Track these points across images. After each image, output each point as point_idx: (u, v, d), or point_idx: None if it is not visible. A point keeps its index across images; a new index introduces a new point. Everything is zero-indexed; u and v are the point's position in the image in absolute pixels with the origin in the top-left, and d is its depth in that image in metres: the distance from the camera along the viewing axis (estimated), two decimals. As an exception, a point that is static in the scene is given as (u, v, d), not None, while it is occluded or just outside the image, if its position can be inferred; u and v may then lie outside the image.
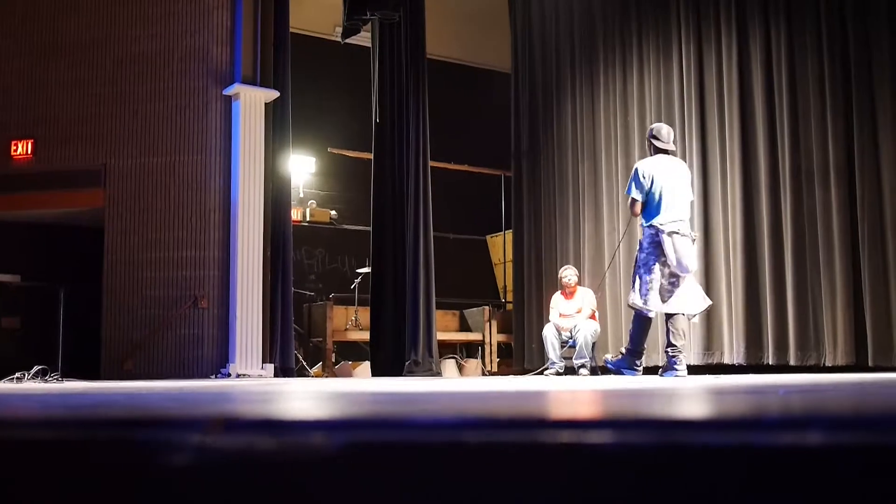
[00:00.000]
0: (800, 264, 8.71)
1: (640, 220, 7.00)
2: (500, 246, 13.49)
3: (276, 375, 9.48)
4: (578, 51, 11.34)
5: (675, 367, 6.70)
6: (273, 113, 9.95)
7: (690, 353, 9.56)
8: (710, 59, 9.74)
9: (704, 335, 9.45)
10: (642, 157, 10.13)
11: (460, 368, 11.42)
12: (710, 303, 7.22)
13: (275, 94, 9.87)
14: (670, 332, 6.82)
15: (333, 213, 13.12)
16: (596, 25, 11.14)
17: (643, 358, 7.21)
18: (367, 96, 10.92)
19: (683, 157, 9.87)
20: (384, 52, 10.76)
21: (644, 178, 6.73)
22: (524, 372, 11.03)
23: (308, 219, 12.88)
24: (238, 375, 9.20)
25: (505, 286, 13.26)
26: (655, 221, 6.67)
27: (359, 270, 11.64)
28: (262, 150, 9.78)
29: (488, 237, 14.06)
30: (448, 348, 11.85)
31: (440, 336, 11.12)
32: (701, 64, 9.84)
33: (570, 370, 9.36)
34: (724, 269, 9.36)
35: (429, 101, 10.93)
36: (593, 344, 9.45)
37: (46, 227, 10.52)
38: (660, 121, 10.12)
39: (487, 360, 11.85)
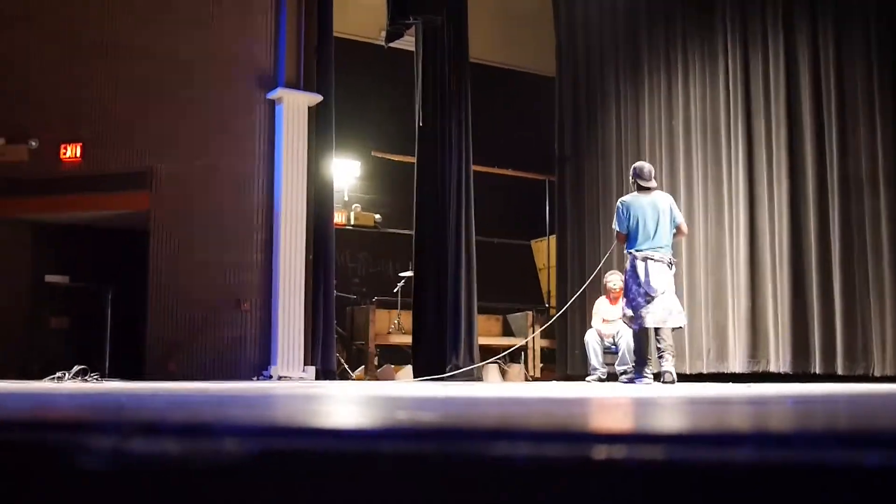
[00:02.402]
0: (847, 272, 8.52)
1: (624, 248, 7.81)
2: (545, 251, 13.39)
3: (317, 378, 9.52)
4: (623, 54, 11.23)
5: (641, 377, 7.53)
6: (316, 116, 10.00)
7: (735, 360, 9.43)
8: (757, 62, 9.57)
9: (749, 343, 9.30)
10: (687, 162, 10.08)
11: (503, 373, 11.35)
12: (684, 323, 7.81)
13: (318, 97, 9.92)
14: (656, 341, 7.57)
15: (378, 216, 13.14)
16: (640, 29, 11.02)
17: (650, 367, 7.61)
18: (410, 100, 10.92)
19: (728, 165, 9.75)
20: (427, 55, 10.75)
21: (623, 213, 7.65)
22: (567, 378, 10.95)
23: (352, 222, 12.91)
24: (279, 378, 9.25)
25: (549, 291, 13.17)
26: (633, 250, 7.57)
27: (402, 274, 11.64)
28: (305, 154, 9.83)
29: (533, 242, 13.97)
30: (491, 353, 11.79)
31: (483, 340, 11.07)
32: (747, 68, 9.67)
33: (613, 376, 9.24)
34: (771, 276, 9.20)
35: (472, 104, 10.91)
36: (636, 350, 9.31)
37: (94, 230, 10.69)
38: (705, 127, 10.03)
39: (530, 365, 11.77)
